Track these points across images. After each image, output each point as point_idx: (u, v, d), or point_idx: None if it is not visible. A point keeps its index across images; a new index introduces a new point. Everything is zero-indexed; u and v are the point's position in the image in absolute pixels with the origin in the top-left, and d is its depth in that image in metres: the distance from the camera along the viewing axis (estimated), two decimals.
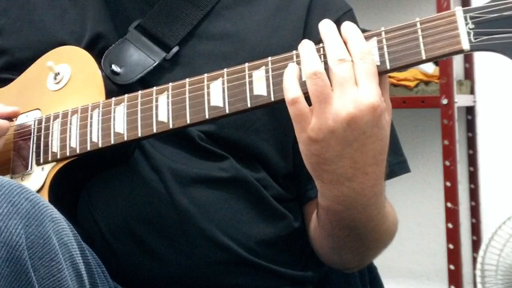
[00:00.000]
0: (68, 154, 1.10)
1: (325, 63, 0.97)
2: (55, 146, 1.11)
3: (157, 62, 1.16)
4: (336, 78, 0.95)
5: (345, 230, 1.09)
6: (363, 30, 1.21)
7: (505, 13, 0.90)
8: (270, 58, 1.01)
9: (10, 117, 1.16)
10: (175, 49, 1.17)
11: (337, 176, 0.99)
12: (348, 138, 0.95)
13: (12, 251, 0.85)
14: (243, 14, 1.22)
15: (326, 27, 0.99)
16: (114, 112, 1.08)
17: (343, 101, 0.94)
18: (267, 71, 1.01)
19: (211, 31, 1.20)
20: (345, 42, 0.98)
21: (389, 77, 2.47)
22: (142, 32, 1.18)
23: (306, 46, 0.99)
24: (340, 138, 0.95)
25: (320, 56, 0.98)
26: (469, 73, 2.74)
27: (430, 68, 2.54)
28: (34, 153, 1.13)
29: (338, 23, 1.21)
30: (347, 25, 0.99)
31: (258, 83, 1.01)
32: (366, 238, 1.11)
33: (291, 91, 0.96)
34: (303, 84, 0.97)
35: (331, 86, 0.95)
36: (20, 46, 1.23)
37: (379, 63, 0.96)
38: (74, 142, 1.10)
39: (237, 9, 1.22)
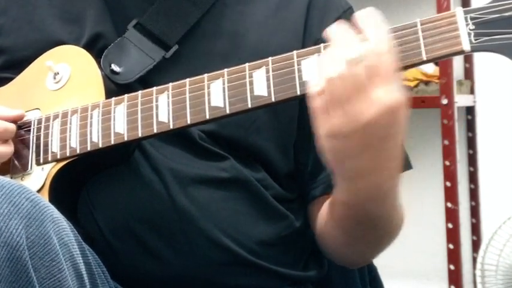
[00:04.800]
0: (68, 154, 1.10)
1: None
2: (55, 146, 1.11)
3: (156, 61, 1.16)
4: (349, 82, 0.93)
5: (361, 225, 1.09)
6: None
7: (506, 14, 0.90)
8: (270, 58, 1.01)
9: (16, 121, 1.15)
10: (174, 48, 1.17)
11: (356, 172, 0.99)
12: (369, 138, 0.95)
13: (13, 251, 0.85)
14: (242, 12, 1.22)
15: (335, 29, 0.98)
16: (114, 112, 1.08)
17: (361, 105, 0.93)
18: (267, 71, 1.01)
19: (211, 30, 1.19)
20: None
21: None
22: (141, 30, 1.18)
23: (326, 51, 0.98)
24: (360, 138, 0.95)
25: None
26: (469, 73, 2.74)
27: (430, 68, 2.54)
28: (34, 153, 1.13)
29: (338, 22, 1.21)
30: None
31: (259, 83, 1.01)
32: (378, 232, 1.12)
33: (313, 84, 0.96)
34: None
35: (348, 89, 0.94)
36: (19, 45, 1.23)
37: None
38: (74, 142, 1.10)
39: (237, 8, 1.22)
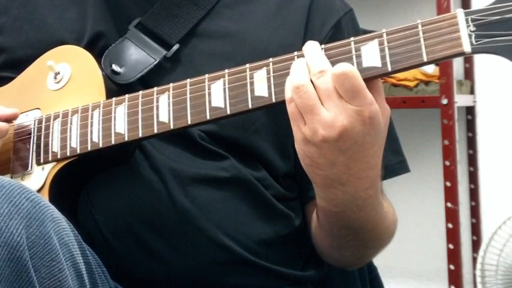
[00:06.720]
0: (68, 154, 1.10)
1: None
2: (55, 146, 1.11)
3: (157, 61, 1.16)
4: (320, 90, 0.95)
5: (343, 230, 1.10)
6: (364, 31, 1.21)
7: (507, 16, 0.90)
8: (271, 59, 1.01)
9: (10, 119, 1.15)
10: (175, 47, 1.17)
11: (330, 181, 1.00)
12: (340, 147, 0.96)
13: (13, 251, 0.85)
14: (243, 13, 1.22)
15: (307, 44, 0.99)
16: (115, 112, 1.08)
17: (331, 113, 0.94)
18: (268, 72, 1.01)
19: (212, 30, 1.20)
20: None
21: (390, 76, 2.48)
22: (143, 30, 1.18)
23: (296, 61, 0.98)
24: (332, 146, 0.96)
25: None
26: (469, 73, 2.74)
27: (430, 68, 2.54)
28: (34, 153, 1.13)
29: (339, 24, 1.22)
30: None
31: (259, 84, 1.01)
32: (364, 238, 1.12)
33: (288, 90, 0.97)
34: None
35: (312, 99, 0.95)
36: (20, 45, 1.23)
37: (380, 65, 0.96)
38: (74, 142, 1.10)
39: (238, 8, 1.22)
